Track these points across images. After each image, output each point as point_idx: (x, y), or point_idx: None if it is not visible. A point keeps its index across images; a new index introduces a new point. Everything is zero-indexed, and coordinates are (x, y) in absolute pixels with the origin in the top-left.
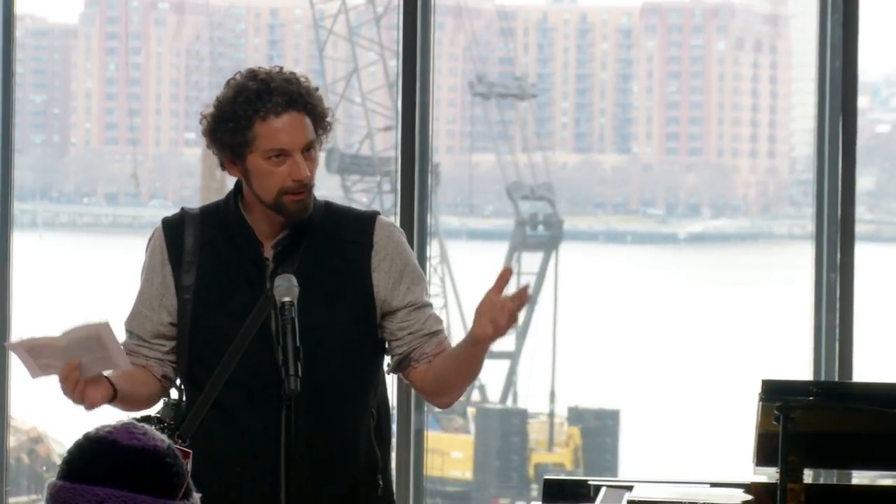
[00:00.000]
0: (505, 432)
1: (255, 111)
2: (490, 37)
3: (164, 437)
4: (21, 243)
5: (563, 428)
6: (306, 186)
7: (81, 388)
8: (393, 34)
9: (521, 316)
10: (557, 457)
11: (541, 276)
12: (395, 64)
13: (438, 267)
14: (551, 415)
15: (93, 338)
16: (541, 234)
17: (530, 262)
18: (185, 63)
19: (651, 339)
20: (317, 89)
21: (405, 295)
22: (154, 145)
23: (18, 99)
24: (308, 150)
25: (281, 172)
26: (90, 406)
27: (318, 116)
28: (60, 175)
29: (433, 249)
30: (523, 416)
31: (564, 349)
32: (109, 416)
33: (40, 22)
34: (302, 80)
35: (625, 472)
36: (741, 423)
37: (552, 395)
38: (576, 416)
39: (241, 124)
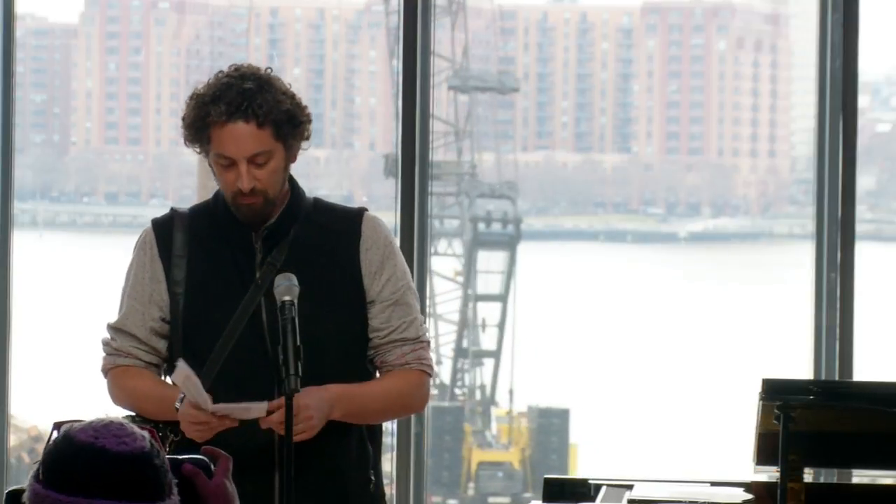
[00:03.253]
0: (437, 430)
1: (207, 114)
2: (490, 36)
3: (140, 431)
4: (21, 243)
5: (515, 426)
6: (255, 193)
7: (214, 427)
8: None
9: (497, 315)
10: (506, 455)
11: (508, 274)
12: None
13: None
14: (510, 413)
15: (243, 408)
16: (500, 232)
17: (487, 260)
18: (186, 63)
19: (651, 338)
20: (283, 95)
21: (383, 287)
22: (154, 145)
23: (18, 98)
24: (258, 160)
25: (229, 178)
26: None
27: (278, 124)
28: (60, 175)
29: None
30: (457, 413)
31: (550, 348)
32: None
33: (40, 21)
34: (277, 86)
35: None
36: (741, 422)
37: (511, 393)
38: (527, 414)
39: (196, 125)
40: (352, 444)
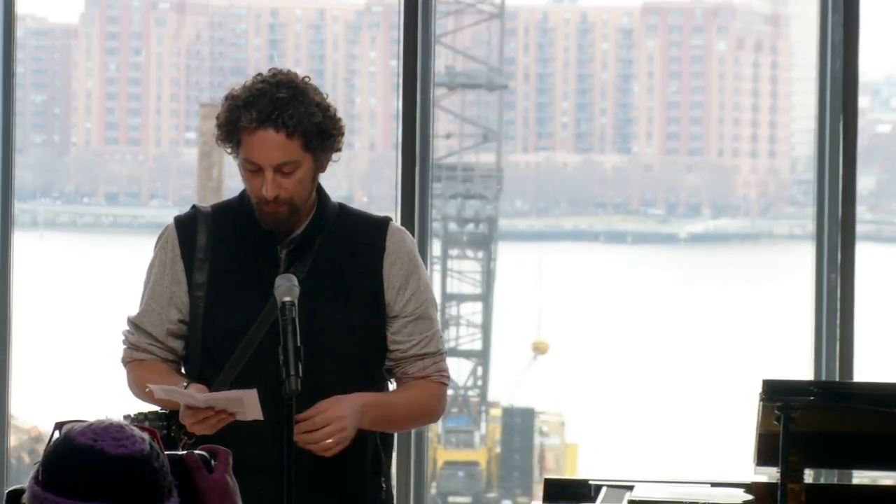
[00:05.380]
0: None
1: (238, 118)
2: (490, 36)
3: (140, 433)
4: (21, 243)
5: (490, 426)
6: (280, 202)
7: (214, 423)
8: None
9: (480, 316)
10: (474, 454)
11: (486, 273)
12: (467, 68)
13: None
14: (487, 414)
15: (234, 399)
16: (473, 231)
17: (463, 259)
18: (186, 63)
19: (651, 339)
20: (316, 107)
21: (407, 302)
22: (154, 145)
23: (19, 99)
24: (284, 169)
25: (255, 183)
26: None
27: (307, 135)
28: (61, 175)
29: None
30: None
31: (550, 349)
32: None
33: (41, 22)
34: (311, 97)
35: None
36: (741, 422)
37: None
38: (499, 415)
39: (228, 127)
40: (367, 451)
